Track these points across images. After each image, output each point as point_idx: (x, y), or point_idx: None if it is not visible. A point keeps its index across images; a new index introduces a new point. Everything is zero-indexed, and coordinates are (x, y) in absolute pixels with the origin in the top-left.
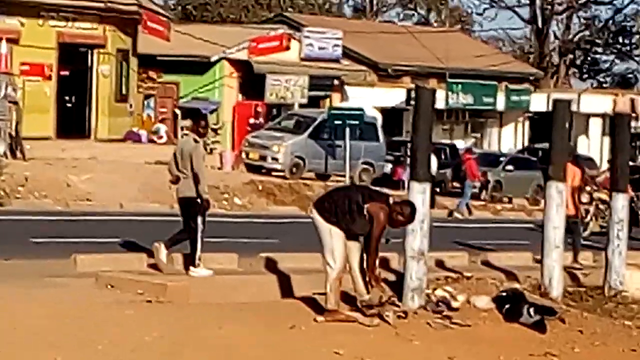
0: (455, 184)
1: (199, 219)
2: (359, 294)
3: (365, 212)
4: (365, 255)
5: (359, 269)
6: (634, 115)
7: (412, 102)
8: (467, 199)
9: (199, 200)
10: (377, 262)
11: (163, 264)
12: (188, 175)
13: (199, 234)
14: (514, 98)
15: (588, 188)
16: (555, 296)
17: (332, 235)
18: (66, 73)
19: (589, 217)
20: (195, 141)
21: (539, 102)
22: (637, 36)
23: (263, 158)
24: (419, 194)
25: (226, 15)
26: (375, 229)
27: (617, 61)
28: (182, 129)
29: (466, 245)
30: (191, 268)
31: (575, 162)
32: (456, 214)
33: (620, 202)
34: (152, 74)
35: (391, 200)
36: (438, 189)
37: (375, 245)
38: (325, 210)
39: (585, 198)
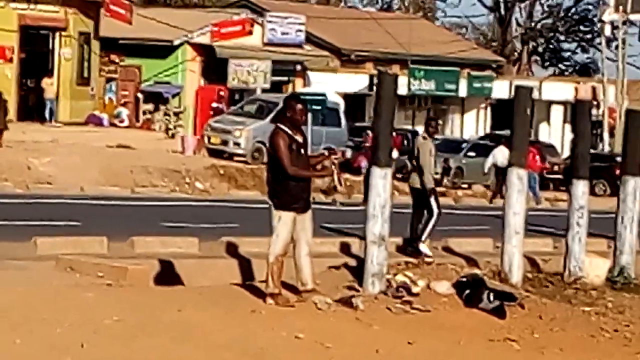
0: None
1: (434, 204)
2: (302, 282)
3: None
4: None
5: (304, 257)
6: (594, 102)
7: (375, 88)
8: (537, 188)
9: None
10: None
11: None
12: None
13: (434, 218)
14: (476, 85)
15: None
16: (515, 282)
17: (280, 221)
18: (23, 56)
19: None
20: (424, 138)
21: (501, 89)
22: (599, 24)
23: (225, 142)
24: (380, 179)
25: None
26: (277, 153)
27: (578, 49)
28: (144, 112)
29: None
30: (420, 243)
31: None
32: (532, 203)
33: (580, 189)
34: (114, 57)
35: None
36: (399, 175)
37: (291, 172)
38: (270, 194)
39: None
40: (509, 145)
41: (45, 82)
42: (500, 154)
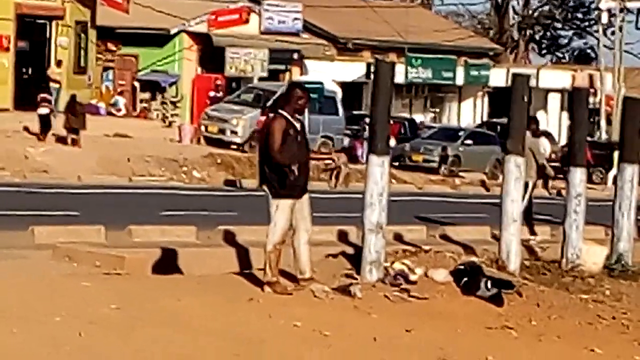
0: None
1: (526, 199)
2: (300, 271)
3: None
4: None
5: (303, 246)
6: (592, 90)
7: (372, 76)
8: None
9: (529, 184)
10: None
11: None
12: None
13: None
14: (473, 73)
15: None
16: (513, 270)
17: (278, 209)
18: (23, 45)
19: None
20: (532, 137)
21: (498, 77)
22: (596, 12)
23: (222, 131)
24: (378, 167)
25: None
26: (270, 136)
27: (575, 37)
28: (141, 101)
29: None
30: (530, 237)
31: None
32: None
33: (578, 177)
34: (110, 46)
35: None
36: (397, 163)
37: (276, 156)
38: (267, 182)
39: None
40: (548, 136)
41: (52, 71)
42: (540, 146)
